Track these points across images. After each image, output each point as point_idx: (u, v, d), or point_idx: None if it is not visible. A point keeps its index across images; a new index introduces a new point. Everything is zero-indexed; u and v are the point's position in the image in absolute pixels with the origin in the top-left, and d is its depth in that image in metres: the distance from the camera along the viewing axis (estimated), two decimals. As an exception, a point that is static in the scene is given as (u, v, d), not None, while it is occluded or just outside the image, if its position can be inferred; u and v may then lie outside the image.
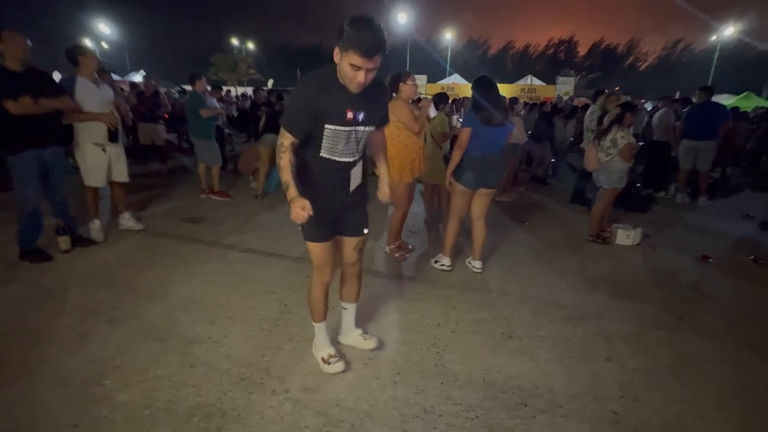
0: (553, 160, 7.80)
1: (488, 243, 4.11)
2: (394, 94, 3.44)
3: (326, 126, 1.73)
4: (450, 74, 27.16)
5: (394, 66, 3.62)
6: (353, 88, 1.67)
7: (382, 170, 2.16)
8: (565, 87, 22.39)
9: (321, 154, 1.82)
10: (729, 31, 29.17)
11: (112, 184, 3.99)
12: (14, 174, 3.26)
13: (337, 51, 1.63)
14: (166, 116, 7.55)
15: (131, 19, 40.92)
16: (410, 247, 3.97)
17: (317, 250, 2.00)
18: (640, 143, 4.89)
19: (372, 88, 1.76)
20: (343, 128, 1.76)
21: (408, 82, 3.42)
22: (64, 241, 3.56)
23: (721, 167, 8.18)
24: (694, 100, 6.75)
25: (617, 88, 5.69)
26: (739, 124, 8.98)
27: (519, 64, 56.34)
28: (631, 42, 59.33)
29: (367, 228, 2.12)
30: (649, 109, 10.86)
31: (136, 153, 7.35)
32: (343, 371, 2.18)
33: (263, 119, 5.94)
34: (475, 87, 3.20)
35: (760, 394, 2.17)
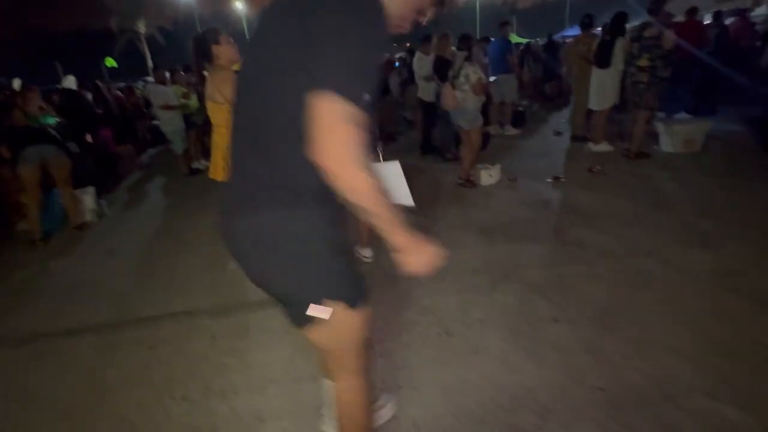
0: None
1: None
2: (206, 63, 2.45)
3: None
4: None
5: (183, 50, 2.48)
6: (404, 28, 1.01)
7: None
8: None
9: None
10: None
11: None
12: None
13: None
14: None
15: None
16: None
17: (363, 319, 1.07)
18: (493, 78, 4.94)
19: None
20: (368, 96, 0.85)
21: (222, 41, 2.44)
22: None
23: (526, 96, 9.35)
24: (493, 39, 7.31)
25: (446, 32, 5.65)
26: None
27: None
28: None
29: None
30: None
31: None
32: None
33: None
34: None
35: (683, 295, 2.18)
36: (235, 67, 2.49)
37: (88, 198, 4.40)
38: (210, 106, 2.51)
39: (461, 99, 3.87)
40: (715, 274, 2.36)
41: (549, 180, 4.23)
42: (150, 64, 21.35)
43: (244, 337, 2.23)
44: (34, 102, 3.79)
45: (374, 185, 0.81)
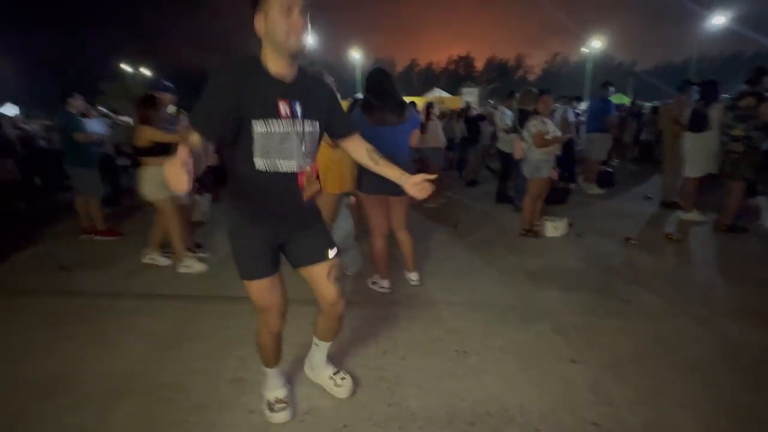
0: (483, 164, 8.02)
1: (424, 251, 3.87)
2: None
3: (254, 123, 1.34)
4: (362, 91, 27.53)
5: None
6: (295, 40, 1.31)
7: (389, 172, 1.63)
8: (470, 97, 23.73)
9: (255, 165, 1.40)
10: (596, 44, 33.61)
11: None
12: None
13: (258, 17, 1.32)
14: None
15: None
16: (343, 265, 3.55)
17: (256, 289, 1.55)
18: (569, 136, 5.09)
19: (307, 78, 1.47)
20: (277, 124, 1.37)
21: (326, 81, 3.06)
22: None
23: (618, 157, 9.03)
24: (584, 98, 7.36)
25: (530, 88, 6.01)
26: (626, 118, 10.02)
27: (424, 79, 59.33)
28: (519, 56, 65.99)
29: (332, 249, 1.67)
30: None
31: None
32: (286, 422, 1.76)
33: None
34: (367, 82, 2.84)
35: (716, 363, 2.11)
36: None
37: (204, 201, 5.38)
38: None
39: (525, 149, 4.10)
40: (764, 351, 2.21)
41: (619, 240, 4.14)
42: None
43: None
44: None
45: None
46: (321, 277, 1.65)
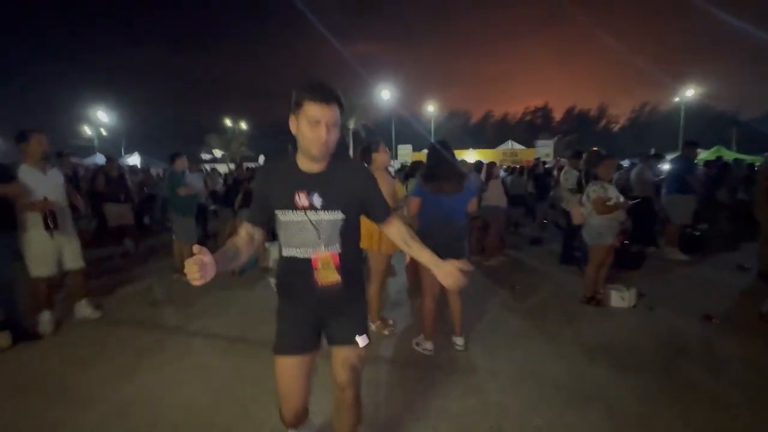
0: (545, 220, 7.78)
1: (475, 313, 3.84)
2: (367, 165, 3.38)
3: (277, 213, 1.51)
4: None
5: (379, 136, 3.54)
6: (317, 151, 1.43)
7: (422, 256, 1.64)
8: (544, 150, 23.35)
9: (283, 252, 1.56)
10: (690, 93, 31.35)
11: (68, 272, 3.72)
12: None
13: (292, 119, 1.47)
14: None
15: (128, 106, 43.02)
16: (390, 322, 3.66)
17: (280, 366, 1.58)
18: (636, 200, 4.81)
19: (338, 168, 1.54)
20: (294, 214, 1.49)
21: (380, 150, 3.36)
22: (3, 338, 3.20)
23: (708, 220, 8.16)
24: (668, 156, 6.91)
25: (595, 148, 5.81)
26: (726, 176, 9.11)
27: (499, 131, 59.20)
28: (602, 106, 63.38)
29: (362, 335, 1.61)
30: (626, 166, 11.14)
31: (104, 235, 7.13)
32: None
33: (240, 195, 5.86)
34: (429, 153, 3.07)
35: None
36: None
37: (273, 249, 5.93)
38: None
39: (586, 214, 3.97)
40: None
41: (697, 317, 3.73)
42: (350, 154, 26.44)
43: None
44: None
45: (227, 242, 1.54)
46: (338, 358, 1.61)
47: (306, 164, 1.50)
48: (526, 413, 2.35)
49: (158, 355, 3.11)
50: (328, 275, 1.52)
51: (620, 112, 63.58)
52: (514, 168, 11.14)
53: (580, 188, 5.04)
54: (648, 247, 6.29)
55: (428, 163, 3.02)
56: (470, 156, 17.73)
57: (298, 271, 1.53)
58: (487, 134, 59.57)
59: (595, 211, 3.88)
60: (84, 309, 3.89)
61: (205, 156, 35.61)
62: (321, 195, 1.48)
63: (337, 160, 1.55)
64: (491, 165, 6.37)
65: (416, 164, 4.99)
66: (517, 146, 25.53)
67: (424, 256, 1.62)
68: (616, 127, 61.68)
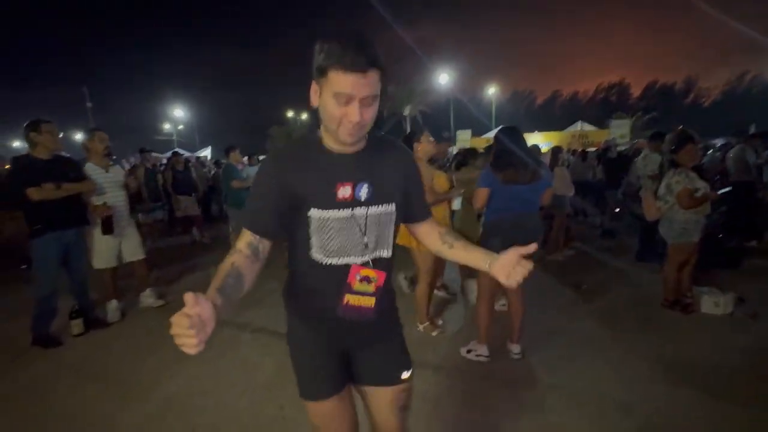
0: (617, 209, 7.00)
1: (535, 316, 3.49)
2: None
3: (311, 213, 1.11)
4: (496, 127, 27.08)
5: (439, 127, 3.26)
6: (346, 135, 1.05)
7: (469, 257, 1.27)
8: (619, 130, 21.19)
9: (312, 255, 1.16)
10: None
11: (132, 262, 3.95)
12: (34, 257, 3.28)
13: (314, 87, 1.05)
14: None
15: (202, 103, 46.25)
16: (439, 323, 3.43)
17: (316, 412, 1.25)
18: (725, 190, 4.06)
19: (380, 147, 1.19)
20: (335, 212, 1.11)
21: (423, 140, 3.11)
22: (76, 326, 3.46)
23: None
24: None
25: (680, 127, 4.96)
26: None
27: (568, 110, 55.24)
28: (689, 78, 56.51)
29: (408, 370, 1.31)
30: (718, 146, 9.70)
31: (174, 226, 7.63)
32: None
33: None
34: (497, 140, 2.77)
35: None
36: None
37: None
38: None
39: (664, 208, 3.38)
40: None
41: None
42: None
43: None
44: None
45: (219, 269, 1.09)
46: (383, 403, 1.30)
47: (337, 144, 1.12)
48: (590, 442, 2.03)
49: (206, 349, 3.15)
50: (361, 299, 1.18)
51: (712, 84, 56.24)
52: (575, 151, 10.17)
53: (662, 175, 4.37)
54: (749, 241, 5.38)
55: (498, 151, 2.72)
56: (534, 140, 16.61)
57: (326, 279, 1.17)
58: (554, 114, 55.86)
59: (679, 205, 3.29)
60: (147, 298, 4.12)
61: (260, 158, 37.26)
62: (369, 185, 1.13)
63: (374, 136, 1.20)
64: (557, 150, 5.81)
65: (468, 152, 4.62)
66: (588, 127, 23.47)
67: (474, 255, 1.25)
68: (706, 102, 54.78)
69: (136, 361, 3.02)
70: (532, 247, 1.14)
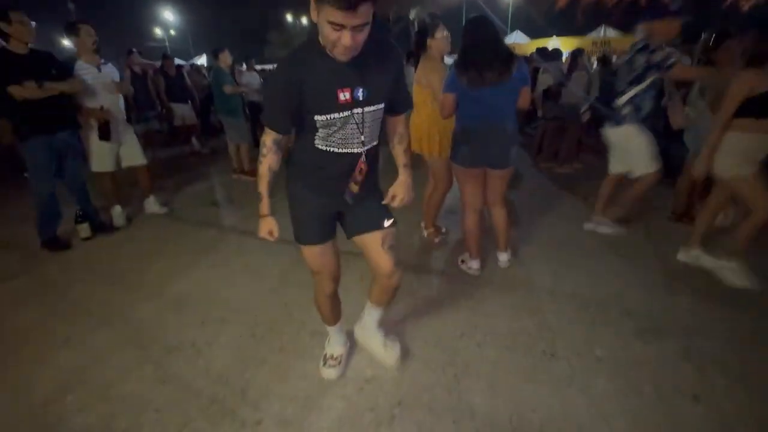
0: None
1: (539, 226, 3.48)
2: (423, 52, 2.84)
3: (313, 114, 1.35)
4: (511, 32, 24.91)
5: (450, 33, 2.85)
6: (340, 54, 1.25)
7: (397, 160, 1.65)
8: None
9: (316, 144, 1.44)
10: None
11: (133, 168, 3.87)
12: (27, 161, 3.20)
13: (313, 5, 1.19)
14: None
15: (193, 6, 42.39)
16: (443, 230, 3.42)
17: (309, 253, 1.66)
18: None
19: (374, 51, 1.34)
20: (337, 115, 1.35)
21: (437, 35, 2.77)
22: (83, 229, 3.49)
23: None
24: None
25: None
26: None
27: (591, 15, 50.46)
28: (731, -23, 50.40)
29: (388, 219, 1.65)
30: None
31: (175, 136, 7.39)
32: (335, 377, 1.90)
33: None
34: (463, 35, 2.35)
35: None
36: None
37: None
38: (414, 89, 2.88)
39: (694, 117, 3.12)
40: None
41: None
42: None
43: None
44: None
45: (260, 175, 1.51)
46: (375, 245, 1.63)
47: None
48: (586, 341, 2.09)
49: (213, 254, 3.22)
50: (353, 186, 1.52)
51: (757, -18, 50.24)
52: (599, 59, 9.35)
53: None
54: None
55: (462, 48, 2.34)
56: (552, 45, 15.32)
57: (333, 162, 1.46)
58: (575, 19, 51.17)
59: (713, 112, 2.98)
60: (152, 205, 4.12)
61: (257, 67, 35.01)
62: (365, 87, 1.35)
63: (371, 40, 1.30)
64: (577, 52, 5.32)
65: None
66: (613, 33, 21.53)
67: (398, 161, 1.64)
68: (746, 6, 49.46)
69: (145, 264, 3.09)
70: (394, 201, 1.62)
